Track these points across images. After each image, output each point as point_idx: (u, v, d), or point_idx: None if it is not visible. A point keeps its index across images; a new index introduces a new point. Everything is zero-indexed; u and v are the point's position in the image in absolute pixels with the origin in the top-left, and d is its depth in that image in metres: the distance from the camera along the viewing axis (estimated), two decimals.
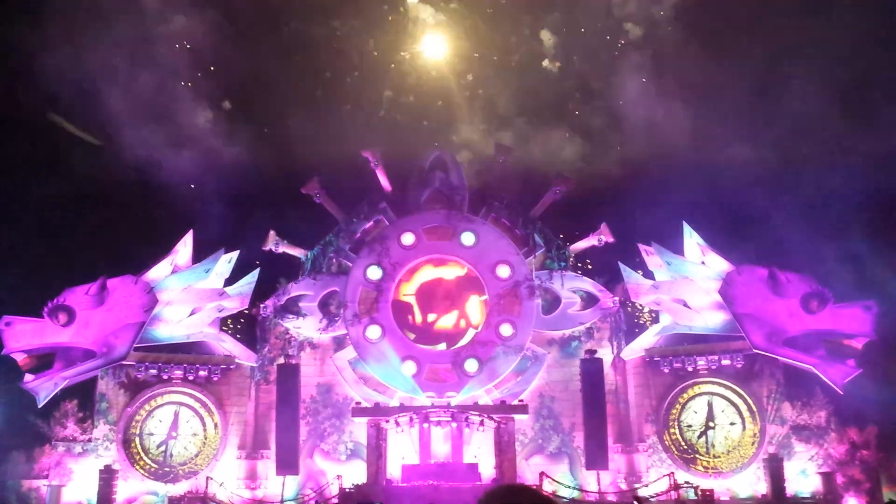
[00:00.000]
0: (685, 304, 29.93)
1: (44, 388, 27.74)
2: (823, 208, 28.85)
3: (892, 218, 30.37)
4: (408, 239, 31.81)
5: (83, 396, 29.33)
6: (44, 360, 28.65)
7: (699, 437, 28.86)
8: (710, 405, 29.08)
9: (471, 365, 30.22)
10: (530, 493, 3.96)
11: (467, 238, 31.65)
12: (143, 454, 28.97)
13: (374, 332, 30.83)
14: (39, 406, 27.86)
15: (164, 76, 34.55)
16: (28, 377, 27.97)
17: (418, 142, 33.44)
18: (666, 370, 29.47)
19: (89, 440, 28.71)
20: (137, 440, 29.08)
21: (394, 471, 28.58)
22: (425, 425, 28.85)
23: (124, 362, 28.86)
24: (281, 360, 30.67)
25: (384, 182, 32.79)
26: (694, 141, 32.13)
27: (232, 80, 36.22)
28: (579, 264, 31.93)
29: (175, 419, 29.62)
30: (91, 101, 32.34)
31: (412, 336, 31.19)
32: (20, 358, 28.21)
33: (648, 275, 30.57)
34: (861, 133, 30.25)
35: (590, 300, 31.26)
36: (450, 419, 28.76)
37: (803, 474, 27.51)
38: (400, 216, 32.38)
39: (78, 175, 32.62)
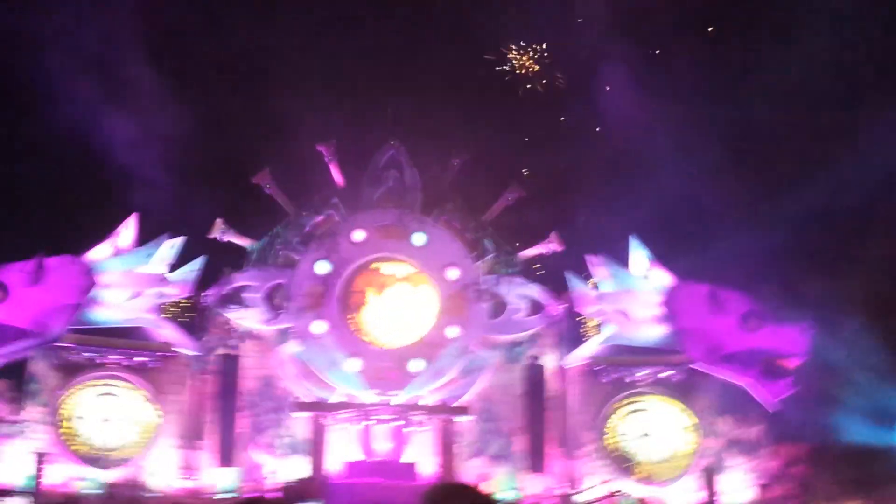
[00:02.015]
0: (628, 316, 30.51)
1: None
2: (767, 231, 29.78)
3: (835, 239, 31.61)
4: (358, 236, 31.66)
5: (14, 377, 28.27)
6: None
7: (636, 446, 29.48)
8: (643, 416, 29.77)
9: (415, 365, 30.22)
10: (470, 491, 3.98)
11: (418, 238, 31.66)
12: (74, 439, 28.08)
13: (318, 326, 30.56)
14: None
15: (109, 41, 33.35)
16: None
17: (375, 137, 33.25)
18: (606, 380, 30.00)
19: (19, 422, 27.70)
20: (69, 424, 28.17)
21: (333, 467, 28.38)
22: (367, 423, 28.76)
23: (58, 344, 27.91)
24: (221, 351, 30.12)
25: (337, 177, 32.57)
26: (648, 152, 32.87)
27: (187, 55, 35.40)
28: (525, 271, 32.23)
29: (109, 405, 28.80)
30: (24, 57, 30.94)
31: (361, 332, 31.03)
32: None
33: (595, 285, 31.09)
34: (816, 152, 31.42)
35: (535, 307, 31.60)
36: (392, 418, 28.76)
37: (736, 488, 28.33)
38: (352, 212, 32.20)
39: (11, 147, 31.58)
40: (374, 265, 32.05)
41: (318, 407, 28.95)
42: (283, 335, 30.86)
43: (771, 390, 27.65)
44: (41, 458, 26.49)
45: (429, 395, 30.16)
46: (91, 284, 28.61)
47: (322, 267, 31.22)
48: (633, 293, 30.48)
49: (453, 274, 31.38)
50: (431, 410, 29.16)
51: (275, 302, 31.07)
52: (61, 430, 27.99)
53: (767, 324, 28.57)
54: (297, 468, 28.25)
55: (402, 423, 28.75)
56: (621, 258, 31.29)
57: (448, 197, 32.71)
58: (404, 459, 28.71)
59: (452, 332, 30.72)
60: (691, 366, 28.83)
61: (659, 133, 33.30)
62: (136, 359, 29.12)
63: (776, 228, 30.55)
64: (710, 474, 27.68)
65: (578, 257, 31.86)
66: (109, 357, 28.93)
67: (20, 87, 31.38)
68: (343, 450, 28.87)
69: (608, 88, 34.49)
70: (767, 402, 27.53)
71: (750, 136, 33.95)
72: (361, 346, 30.70)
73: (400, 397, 29.60)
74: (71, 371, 28.62)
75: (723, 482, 27.97)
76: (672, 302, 29.74)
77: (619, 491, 27.74)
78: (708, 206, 33.07)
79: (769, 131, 33.40)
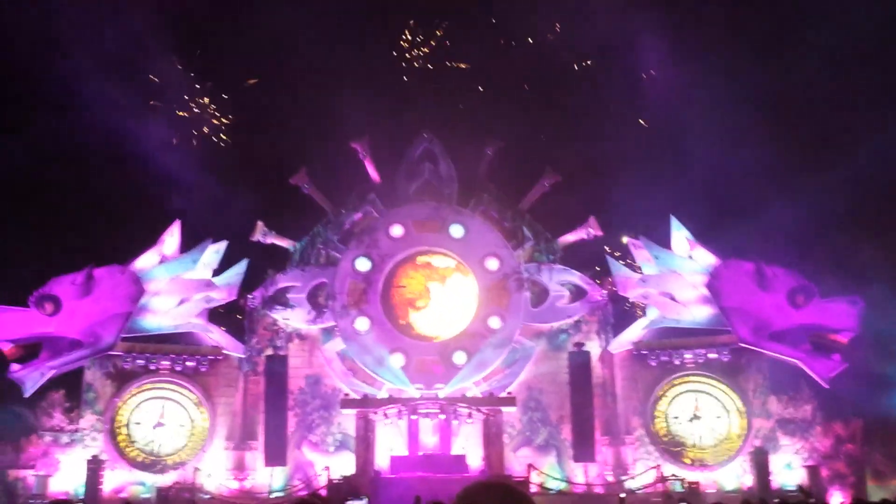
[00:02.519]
0: (672, 298, 30.11)
1: (30, 377, 27.50)
2: (812, 203, 29.01)
3: (882, 213, 30.69)
4: (397, 231, 31.80)
5: (70, 386, 29.10)
6: (30, 350, 28.35)
7: (686, 430, 29.13)
8: (691, 399, 29.40)
9: (459, 357, 30.29)
10: (508, 487, 3.82)
11: (456, 230, 31.68)
12: (130, 445, 28.86)
13: (362, 323, 30.82)
14: (26, 396, 27.60)
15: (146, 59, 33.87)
16: (14, 367, 27.67)
17: (407, 131, 33.25)
18: (653, 363, 29.68)
19: (76, 430, 28.51)
20: (125, 430, 28.95)
21: (382, 462, 28.65)
22: (413, 417, 28.96)
23: (111, 352, 28.65)
24: (269, 352, 30.60)
25: (373, 173, 32.72)
26: (684, 132, 32.24)
27: (222, 65, 35.83)
28: (566, 258, 31.99)
29: (162, 410, 29.50)
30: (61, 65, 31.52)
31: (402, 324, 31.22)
32: (6, 348, 27.89)
33: (637, 268, 30.73)
34: (858, 126, 30.49)
35: (578, 293, 31.38)
36: (438, 411, 28.89)
37: (788, 467, 27.84)
38: (389, 208, 32.34)
39: (56, 160, 32.34)
40: (413, 259, 32.19)
41: (366, 403, 29.20)
42: (329, 333, 31.24)
43: (822, 367, 27.08)
44: (98, 464, 27.30)
45: (474, 386, 30.23)
46: (140, 293, 29.33)
47: (363, 264, 31.46)
48: (677, 274, 30.08)
49: (493, 264, 31.34)
50: (477, 402, 29.19)
51: (318, 301, 31.43)
52: (118, 437, 28.77)
53: (816, 299, 27.93)
54: (346, 464, 28.63)
55: (449, 415, 28.81)
56: (662, 239, 30.89)
57: (484, 187, 32.62)
58: (452, 452, 28.80)
59: (494, 322, 30.71)
60: (739, 345, 28.31)
61: (694, 106, 32.57)
62: (186, 363, 29.72)
63: (823, 198, 29.72)
64: (761, 455, 27.23)
65: (619, 240, 31.58)
66: (161, 363, 29.56)
67: (61, 97, 32.10)
68: (391, 444, 29.08)
69: (642, 65, 33.82)
70: (819, 379, 26.94)
71: (791, 102, 32.93)
72: (404, 340, 30.88)
73: (445, 390, 29.71)
74: (125, 379, 29.36)
75: (774, 463, 27.51)
76: (717, 281, 29.29)
77: (672, 476, 27.44)
78: (750, 179, 32.33)
79: (812, 96, 32.32)
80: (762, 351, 28.26)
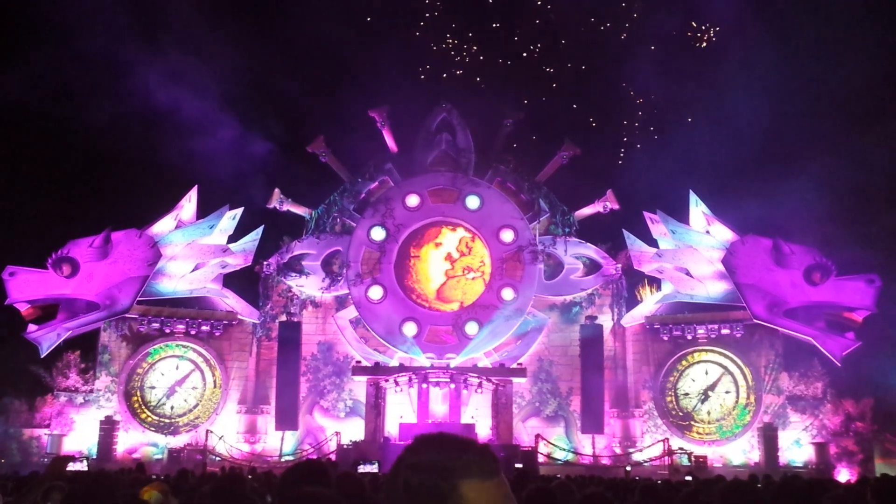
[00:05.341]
0: (688, 273, 29.88)
1: (47, 338, 28.00)
2: (831, 181, 28.53)
3: None
4: (412, 200, 31.79)
5: (85, 348, 29.62)
6: (47, 311, 28.87)
7: (696, 404, 29.03)
8: (702, 374, 29.25)
9: (471, 328, 30.35)
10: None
11: (472, 201, 31.61)
12: (143, 406, 29.30)
13: (375, 292, 30.96)
14: (42, 356, 28.12)
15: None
16: (31, 327, 28.22)
17: (426, 101, 33.11)
18: (665, 338, 29.56)
19: (91, 391, 29.04)
20: (138, 392, 29.38)
21: (391, 429, 28.84)
22: (424, 385, 29.05)
23: (127, 315, 29.06)
24: (283, 318, 30.85)
25: (390, 142, 32.69)
26: (705, 107, 31.77)
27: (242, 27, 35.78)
28: (582, 231, 31.81)
29: (176, 373, 29.88)
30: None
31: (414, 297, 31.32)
32: (24, 308, 28.44)
33: (652, 242, 30.50)
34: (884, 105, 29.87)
35: (592, 266, 31.26)
36: (448, 380, 28.98)
37: (797, 444, 27.69)
38: (405, 177, 32.31)
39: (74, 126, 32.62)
40: (429, 229, 32.19)
41: (377, 370, 29.36)
42: (342, 301, 31.41)
43: (835, 344, 26.81)
44: (112, 425, 27.78)
45: (485, 356, 30.29)
46: (156, 257, 29.64)
47: (378, 233, 31.52)
48: (693, 249, 29.82)
49: (508, 236, 31.27)
50: (488, 372, 29.26)
51: (333, 269, 31.59)
52: (132, 399, 29.21)
53: (833, 277, 27.57)
54: (356, 430, 28.88)
55: (459, 385, 28.89)
56: (680, 214, 30.60)
57: (502, 158, 32.48)
58: (461, 421, 28.91)
59: (508, 293, 30.68)
60: (753, 321, 28.07)
61: (716, 78, 32.06)
62: (201, 327, 30.00)
63: (844, 173, 29.18)
64: (770, 431, 27.07)
65: (636, 214, 31.32)
66: (176, 327, 29.87)
67: (81, 65, 32.28)
68: (401, 412, 29.26)
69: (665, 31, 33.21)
70: (832, 357, 26.68)
71: (813, 75, 32.22)
72: (417, 309, 30.98)
73: (456, 360, 29.80)
74: (139, 341, 29.76)
75: (783, 439, 27.35)
76: (733, 257, 29.02)
77: (680, 449, 27.39)
78: (769, 153, 31.86)
79: (835, 70, 31.59)
80: (776, 327, 28.00)
